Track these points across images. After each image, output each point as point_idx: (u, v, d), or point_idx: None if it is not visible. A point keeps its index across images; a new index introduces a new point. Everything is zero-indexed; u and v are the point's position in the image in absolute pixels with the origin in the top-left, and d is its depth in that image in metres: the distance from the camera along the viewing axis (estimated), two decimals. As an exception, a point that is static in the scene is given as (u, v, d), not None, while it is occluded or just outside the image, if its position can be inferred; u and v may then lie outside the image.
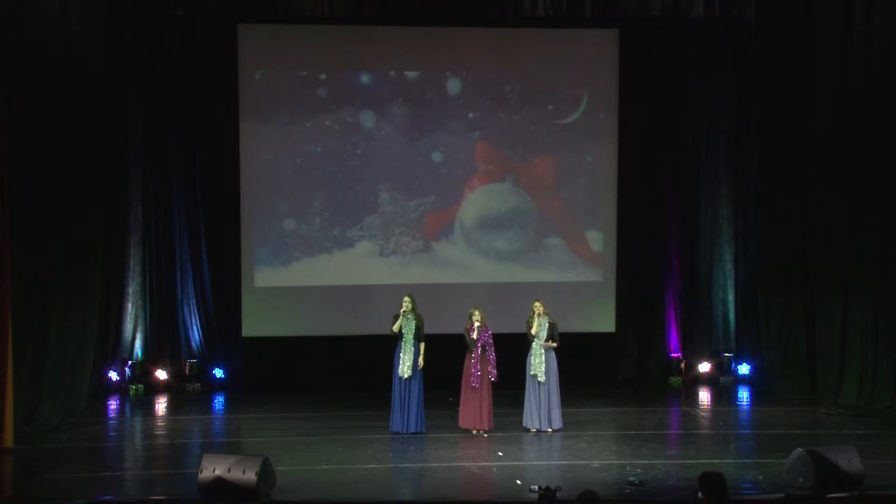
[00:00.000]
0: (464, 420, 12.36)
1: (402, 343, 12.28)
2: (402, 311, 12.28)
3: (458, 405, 12.55)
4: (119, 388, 14.93)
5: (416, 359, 12.28)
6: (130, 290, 15.08)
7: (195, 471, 9.71)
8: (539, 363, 12.42)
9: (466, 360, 12.38)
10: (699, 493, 6.48)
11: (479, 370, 12.25)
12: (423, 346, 12.34)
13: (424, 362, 12.32)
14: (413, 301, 12.34)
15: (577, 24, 14.92)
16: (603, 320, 15.70)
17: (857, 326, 13.43)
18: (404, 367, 12.22)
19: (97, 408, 13.94)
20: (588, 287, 15.72)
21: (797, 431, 12.56)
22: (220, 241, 15.36)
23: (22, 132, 11.98)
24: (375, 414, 13.03)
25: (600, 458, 11.21)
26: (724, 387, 15.43)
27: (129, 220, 15.06)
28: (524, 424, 12.51)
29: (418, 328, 12.29)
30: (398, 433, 12.26)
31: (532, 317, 12.50)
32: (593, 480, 10.23)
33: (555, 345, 12.51)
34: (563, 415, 12.63)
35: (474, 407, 12.27)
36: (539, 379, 12.39)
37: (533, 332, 12.44)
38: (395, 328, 12.29)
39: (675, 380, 15.57)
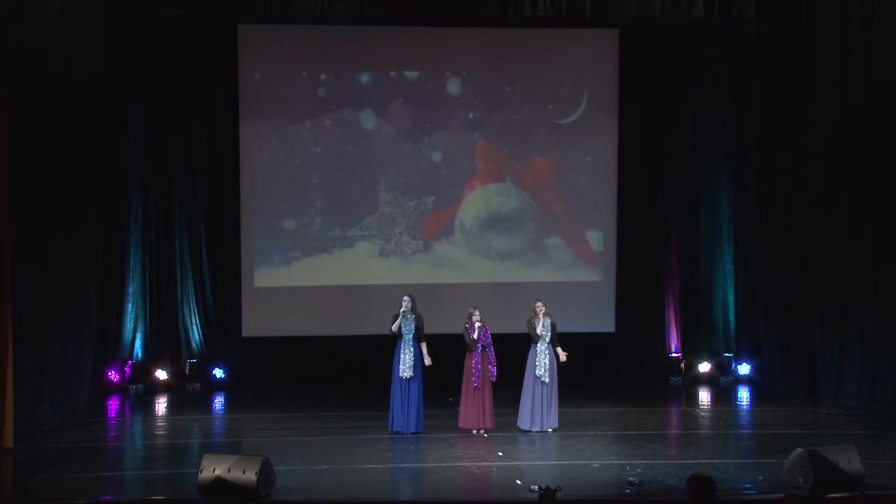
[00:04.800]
0: (466, 420, 12.34)
1: (402, 343, 12.28)
2: (401, 311, 12.28)
3: (458, 405, 12.55)
4: (119, 388, 14.94)
5: (418, 359, 12.28)
6: (130, 290, 15.07)
7: (195, 471, 9.72)
8: (544, 364, 12.42)
9: (467, 361, 12.37)
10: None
11: (480, 370, 12.25)
12: (424, 345, 12.35)
13: (430, 361, 12.35)
14: (413, 301, 12.35)
15: (577, 24, 14.93)
16: (603, 320, 15.70)
17: (858, 326, 13.43)
18: (405, 367, 12.22)
19: (97, 408, 13.93)
20: (588, 287, 15.72)
21: (797, 431, 12.56)
22: (220, 241, 15.36)
23: (22, 132, 11.99)
24: (375, 414, 13.03)
25: (600, 458, 11.22)
26: (724, 387, 15.43)
27: (128, 220, 15.05)
28: (519, 425, 12.49)
29: (418, 328, 12.30)
30: (398, 433, 12.27)
31: (534, 317, 12.50)
32: (593, 480, 10.26)
33: (565, 357, 12.52)
34: (563, 414, 12.65)
35: (476, 407, 12.27)
36: (544, 380, 12.39)
37: (538, 332, 12.43)
38: (395, 328, 12.30)
39: (675, 380, 15.57)
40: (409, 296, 12.41)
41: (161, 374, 15.21)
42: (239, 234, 15.30)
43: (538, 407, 12.43)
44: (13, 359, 11.70)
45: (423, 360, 12.33)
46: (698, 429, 13.26)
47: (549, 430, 12.42)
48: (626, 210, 15.71)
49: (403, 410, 12.28)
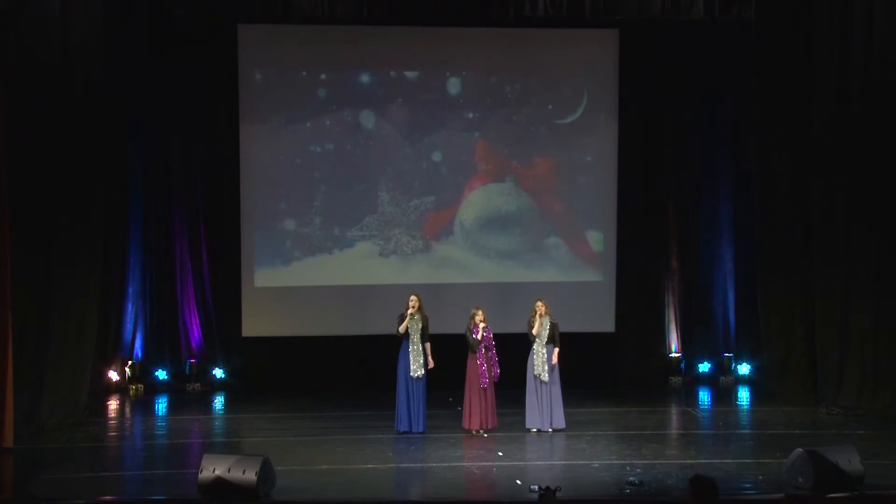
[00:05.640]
0: (471, 421, 12.32)
1: (409, 343, 12.28)
2: (409, 311, 12.27)
3: (460, 406, 12.55)
4: (119, 388, 14.94)
5: (426, 359, 12.28)
6: (130, 291, 15.08)
7: (195, 471, 9.71)
8: (542, 363, 12.42)
9: (470, 362, 12.36)
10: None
11: (486, 370, 12.24)
12: (429, 346, 12.35)
13: (433, 363, 12.34)
14: (419, 301, 12.36)
15: (577, 24, 14.92)
16: (603, 320, 15.69)
17: (857, 326, 13.44)
18: (416, 367, 12.22)
19: (97, 408, 13.93)
20: (588, 287, 15.72)
21: (797, 431, 12.56)
22: (220, 241, 15.36)
23: (22, 132, 11.99)
24: (375, 414, 13.04)
25: (600, 458, 11.22)
26: (724, 387, 15.43)
27: (129, 220, 15.06)
28: (527, 426, 12.50)
29: (424, 328, 12.30)
30: (404, 433, 12.25)
31: (533, 317, 12.50)
32: (593, 480, 10.25)
33: (557, 349, 12.51)
34: (564, 415, 12.63)
35: (482, 407, 12.27)
36: (542, 379, 12.39)
37: (535, 332, 12.44)
38: (402, 329, 12.28)
39: (675, 380, 15.57)
40: (417, 296, 12.41)
41: (161, 374, 15.22)
42: (239, 234, 15.30)
43: (542, 406, 12.42)
44: (13, 359, 11.69)
45: (428, 360, 12.33)
46: (698, 429, 13.26)
47: (550, 430, 12.41)
48: (626, 210, 15.71)
49: (412, 410, 12.28)
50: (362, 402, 13.89)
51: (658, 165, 15.81)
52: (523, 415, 12.58)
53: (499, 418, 12.48)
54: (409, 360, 12.25)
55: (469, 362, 12.38)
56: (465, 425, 12.37)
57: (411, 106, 15.43)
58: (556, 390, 12.50)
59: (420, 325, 12.27)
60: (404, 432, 12.26)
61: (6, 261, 11.62)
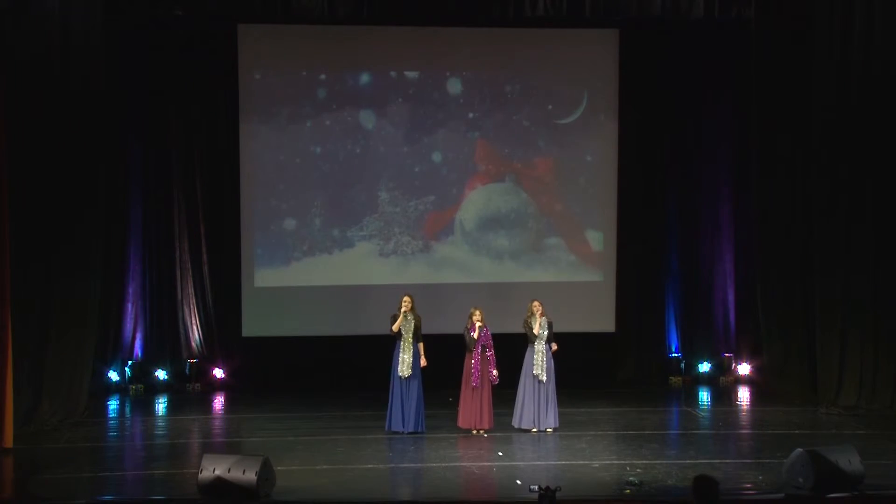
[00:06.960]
0: (463, 420, 12.37)
1: (402, 343, 12.29)
2: (402, 310, 12.28)
3: (458, 405, 12.56)
4: (119, 388, 14.94)
5: (417, 358, 12.28)
6: (130, 290, 15.09)
7: (195, 471, 9.72)
8: (542, 363, 12.42)
9: (466, 360, 12.38)
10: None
11: (479, 370, 12.25)
12: (422, 345, 12.35)
13: (426, 362, 12.33)
14: (412, 301, 12.35)
15: (577, 24, 14.94)
16: (603, 320, 15.70)
17: (857, 326, 13.43)
18: (404, 367, 12.23)
19: (97, 408, 13.93)
20: (588, 287, 15.72)
21: (797, 431, 12.56)
22: (220, 241, 15.37)
23: (22, 133, 12.00)
24: (375, 414, 13.03)
25: (600, 458, 11.21)
26: (724, 387, 15.44)
27: (129, 220, 15.07)
28: (514, 424, 12.48)
29: (417, 328, 12.30)
30: (396, 433, 12.26)
31: (531, 317, 12.50)
32: (593, 480, 10.25)
33: (555, 345, 12.54)
34: (563, 415, 12.64)
35: (474, 407, 12.28)
36: (541, 379, 12.39)
37: (536, 332, 12.43)
38: (395, 328, 12.30)
39: (675, 380, 15.58)
40: (409, 296, 12.42)
41: (161, 374, 15.22)
42: (239, 234, 15.31)
43: (535, 406, 12.43)
44: (13, 359, 11.69)
45: (420, 359, 12.33)
46: (698, 429, 13.26)
47: (548, 430, 12.42)
48: (626, 210, 15.72)
49: (403, 410, 12.28)
50: (362, 402, 13.88)
51: (658, 165, 15.82)
52: (519, 414, 12.56)
53: (498, 418, 12.47)
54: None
55: (465, 361, 12.40)
56: (459, 424, 12.39)
57: (411, 106, 15.44)
58: (552, 391, 12.48)
59: (412, 325, 12.27)
60: (395, 432, 12.25)
61: (6, 261, 11.62)
